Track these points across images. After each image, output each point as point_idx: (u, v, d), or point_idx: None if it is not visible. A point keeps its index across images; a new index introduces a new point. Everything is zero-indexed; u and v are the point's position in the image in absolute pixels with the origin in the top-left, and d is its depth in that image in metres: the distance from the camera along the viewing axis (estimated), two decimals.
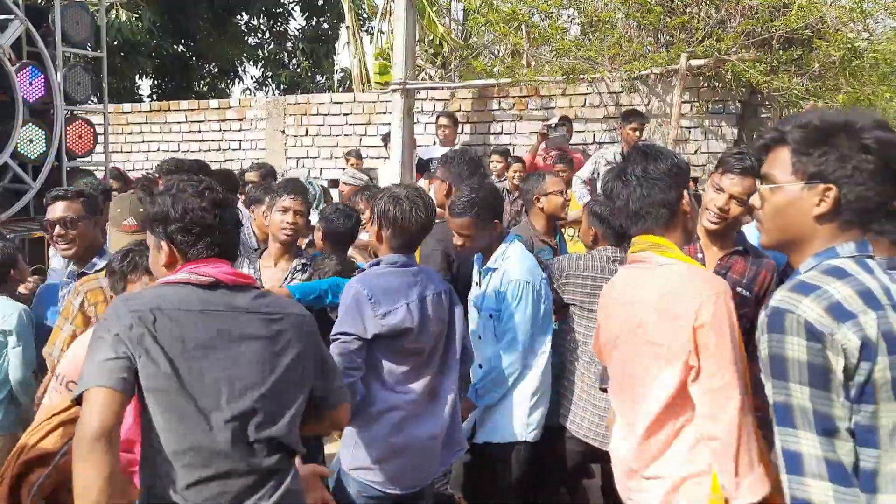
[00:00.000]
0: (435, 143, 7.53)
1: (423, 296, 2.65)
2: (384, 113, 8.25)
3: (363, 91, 9.68)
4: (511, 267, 3.05)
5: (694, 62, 6.81)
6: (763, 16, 6.80)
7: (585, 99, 7.58)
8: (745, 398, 1.87)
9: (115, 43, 13.02)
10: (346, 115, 8.63)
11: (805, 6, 6.67)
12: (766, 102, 7.28)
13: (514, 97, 7.81)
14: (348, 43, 10.57)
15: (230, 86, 18.56)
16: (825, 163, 1.51)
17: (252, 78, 19.17)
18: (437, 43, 9.29)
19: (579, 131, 7.48)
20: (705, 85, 7.12)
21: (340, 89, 15.58)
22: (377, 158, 8.16)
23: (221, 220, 1.96)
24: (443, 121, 7.22)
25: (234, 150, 9.30)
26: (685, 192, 2.10)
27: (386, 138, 7.71)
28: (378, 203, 2.67)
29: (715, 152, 7.12)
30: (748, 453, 1.84)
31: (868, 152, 1.48)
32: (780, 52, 6.90)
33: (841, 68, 6.96)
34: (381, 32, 10.01)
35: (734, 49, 6.79)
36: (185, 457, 1.77)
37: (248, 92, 18.53)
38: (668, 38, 7.53)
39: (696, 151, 7.19)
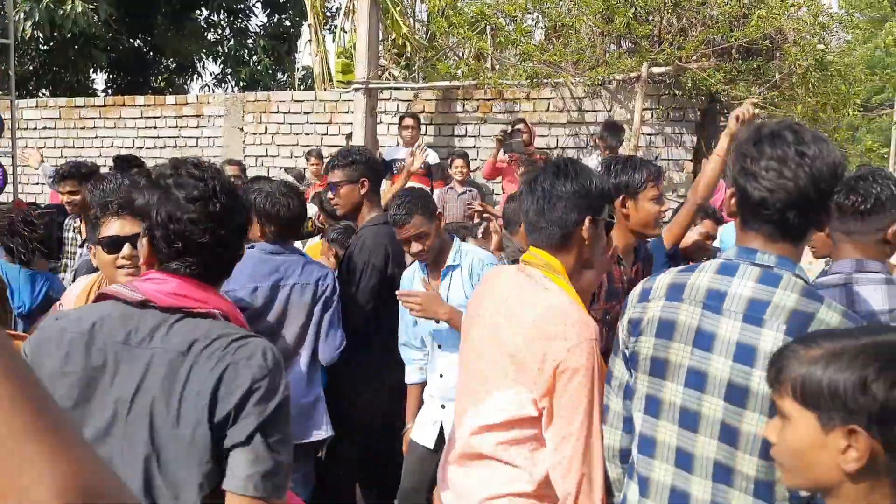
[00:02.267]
0: (398, 144, 7.47)
1: (277, 284, 2.90)
2: (346, 112, 8.16)
3: (325, 90, 9.57)
4: (480, 253, 2.95)
5: (655, 70, 6.88)
6: (723, 26, 6.90)
7: (549, 103, 7.60)
8: (596, 443, 1.79)
9: (70, 35, 12.65)
10: (307, 113, 8.51)
11: (764, 17, 6.79)
12: (725, 111, 7.39)
13: (478, 100, 7.79)
14: (310, 41, 10.44)
15: (188, 82, 18.22)
16: (732, 167, 1.61)
17: (211, 74, 18.82)
18: (401, 43, 9.22)
19: (543, 136, 7.49)
20: (666, 92, 7.20)
21: (302, 87, 15.40)
22: None
23: (214, 237, 1.59)
24: (407, 121, 7.16)
25: (190, 147, 9.10)
26: (588, 219, 1.94)
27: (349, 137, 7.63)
28: (253, 200, 2.89)
29: (675, 159, 7.20)
30: (588, 496, 1.77)
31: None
32: (740, 61, 7.02)
33: (801, 79, 7.09)
34: (344, 31, 9.90)
35: (695, 58, 6.88)
36: None
37: (206, 88, 18.21)
38: (630, 45, 7.59)
39: (656, 158, 7.24)
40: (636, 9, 7.06)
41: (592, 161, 6.56)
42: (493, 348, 1.95)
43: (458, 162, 6.61)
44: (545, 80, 7.26)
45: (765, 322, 1.47)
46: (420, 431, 3.10)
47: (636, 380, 1.66)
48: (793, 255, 1.55)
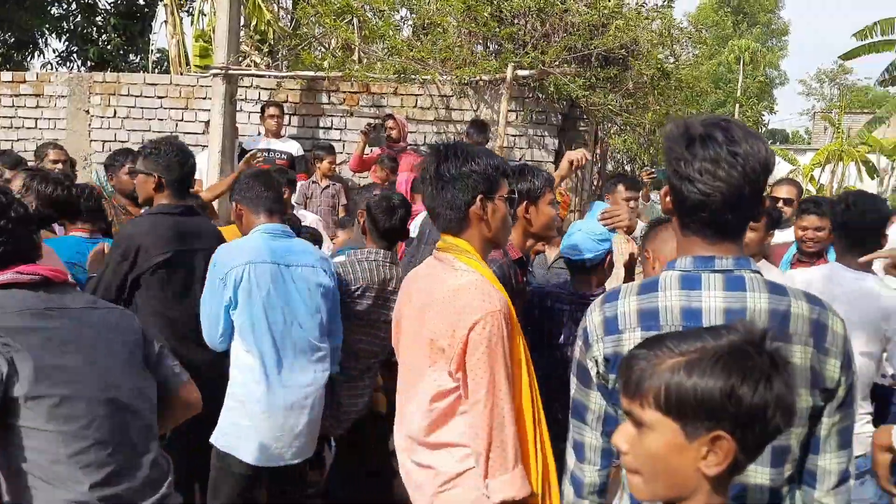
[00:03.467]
0: (260, 134, 7.20)
1: None
2: (204, 98, 7.74)
3: (181, 74, 9.05)
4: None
5: (520, 72, 7.01)
6: (583, 33, 7.14)
7: (417, 100, 7.57)
8: (504, 407, 1.95)
9: None
10: (160, 97, 8.00)
11: (621, 27, 7.09)
12: (585, 116, 7.66)
13: (344, 92, 7.63)
14: (166, 22, 9.86)
15: (28, 59, 16.72)
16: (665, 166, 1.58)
17: (55, 52, 17.31)
18: (264, 30, 8.87)
19: (410, 132, 7.45)
20: (530, 96, 7.35)
21: (157, 71, 14.53)
22: (195, 146, 7.64)
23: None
24: (271, 111, 6.91)
25: (28, 128, 8.33)
26: (479, 198, 2.06)
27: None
28: (32, 183, 3.07)
29: (538, 161, 7.37)
30: (501, 456, 1.95)
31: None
32: (598, 69, 7.28)
33: (650, 88, 7.47)
34: (203, 14, 9.41)
35: (557, 63, 7.07)
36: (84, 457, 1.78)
37: (48, 66, 16.78)
38: (496, 47, 7.70)
39: (520, 159, 7.40)
40: (501, 12, 7.17)
41: None
42: (417, 339, 2.07)
43: (329, 158, 6.50)
44: (413, 77, 7.22)
45: None
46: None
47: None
48: (739, 252, 1.54)
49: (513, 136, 7.39)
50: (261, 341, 2.82)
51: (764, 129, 41.04)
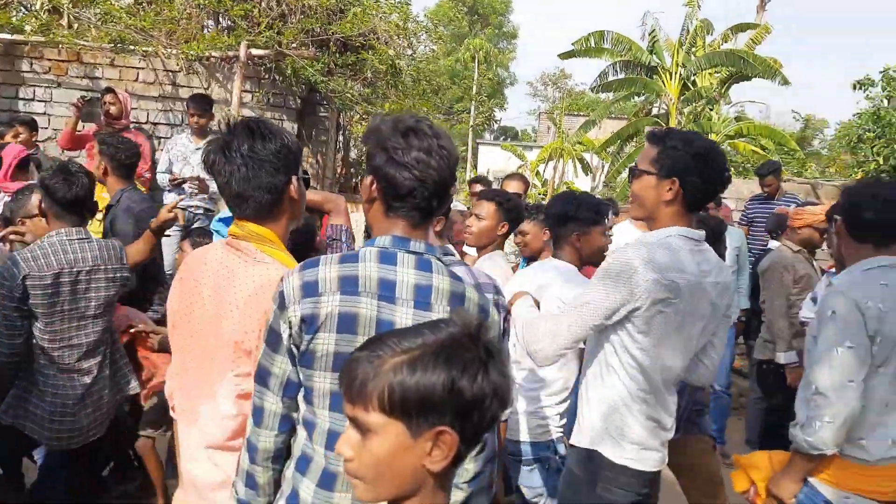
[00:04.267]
0: None
1: None
2: None
3: None
4: None
5: (255, 51, 6.72)
6: (321, 17, 7.02)
7: (138, 74, 6.92)
8: None
9: None
10: None
11: (359, 15, 7.07)
12: (325, 102, 7.55)
13: (50, 60, 6.74)
14: None
15: None
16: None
17: None
18: None
19: (132, 108, 6.79)
20: (267, 77, 7.07)
21: None
22: None
23: None
24: None
25: None
26: (294, 178, 1.96)
27: None
28: None
29: None
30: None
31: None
32: (337, 55, 7.21)
33: (386, 79, 7.56)
34: None
35: (294, 45, 6.87)
36: None
37: None
38: (229, 23, 7.30)
39: None
40: None
41: (182, 139, 6.16)
42: (218, 339, 1.89)
43: (13, 132, 5.63)
44: (132, 48, 6.58)
45: (432, 306, 1.62)
46: None
47: (313, 377, 1.62)
48: (430, 239, 1.71)
49: (248, 117, 7.05)
50: None
51: (497, 124, 44.08)
